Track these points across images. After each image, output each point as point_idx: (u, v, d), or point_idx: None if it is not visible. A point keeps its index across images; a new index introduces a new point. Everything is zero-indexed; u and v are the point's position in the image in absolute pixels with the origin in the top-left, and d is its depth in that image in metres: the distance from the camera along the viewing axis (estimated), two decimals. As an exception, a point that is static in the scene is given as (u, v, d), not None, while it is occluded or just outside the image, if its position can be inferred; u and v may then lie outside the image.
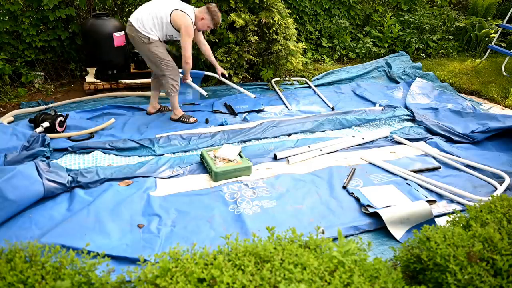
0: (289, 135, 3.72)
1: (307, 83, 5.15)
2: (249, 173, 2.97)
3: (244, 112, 4.16)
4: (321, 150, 3.34)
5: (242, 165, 2.95)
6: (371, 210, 2.55)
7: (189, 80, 3.80)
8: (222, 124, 3.85)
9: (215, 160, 2.99)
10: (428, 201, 2.69)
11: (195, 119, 3.91)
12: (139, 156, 3.22)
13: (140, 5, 3.54)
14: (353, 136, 3.65)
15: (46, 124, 3.28)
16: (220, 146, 3.26)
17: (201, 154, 3.11)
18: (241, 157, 3.06)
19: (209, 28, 3.57)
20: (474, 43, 6.80)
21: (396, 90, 4.99)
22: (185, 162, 3.12)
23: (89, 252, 1.45)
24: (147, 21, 3.35)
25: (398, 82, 5.31)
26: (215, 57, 4.56)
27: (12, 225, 2.29)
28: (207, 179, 2.92)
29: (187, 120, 3.87)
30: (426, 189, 2.86)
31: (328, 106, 4.48)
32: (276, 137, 3.66)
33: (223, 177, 2.88)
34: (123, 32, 4.43)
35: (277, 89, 4.80)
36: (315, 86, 5.06)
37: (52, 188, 2.53)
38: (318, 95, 4.79)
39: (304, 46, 5.02)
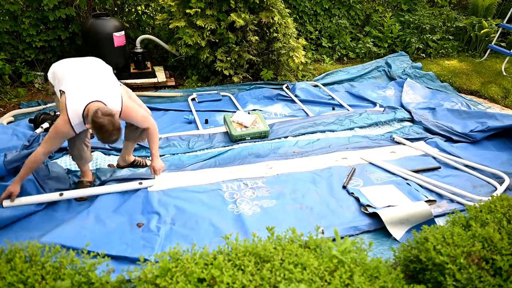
0: (288, 136, 3.72)
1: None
2: (267, 136, 3.57)
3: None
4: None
5: (259, 130, 3.53)
6: (370, 210, 2.55)
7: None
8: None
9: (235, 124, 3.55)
10: (428, 201, 2.69)
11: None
12: (139, 156, 3.21)
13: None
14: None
15: (46, 125, 3.28)
16: (233, 112, 3.79)
17: (224, 118, 3.66)
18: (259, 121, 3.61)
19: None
20: (474, 43, 6.80)
21: (388, 89, 4.99)
22: (185, 162, 3.12)
23: (89, 252, 1.46)
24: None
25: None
26: (215, 57, 4.56)
27: (12, 225, 2.29)
28: (205, 175, 2.92)
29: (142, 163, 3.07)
30: (426, 189, 2.86)
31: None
32: (277, 138, 3.65)
33: (239, 139, 3.48)
34: (123, 32, 4.42)
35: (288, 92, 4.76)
36: (314, 87, 5.05)
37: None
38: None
39: (304, 43, 5.01)
